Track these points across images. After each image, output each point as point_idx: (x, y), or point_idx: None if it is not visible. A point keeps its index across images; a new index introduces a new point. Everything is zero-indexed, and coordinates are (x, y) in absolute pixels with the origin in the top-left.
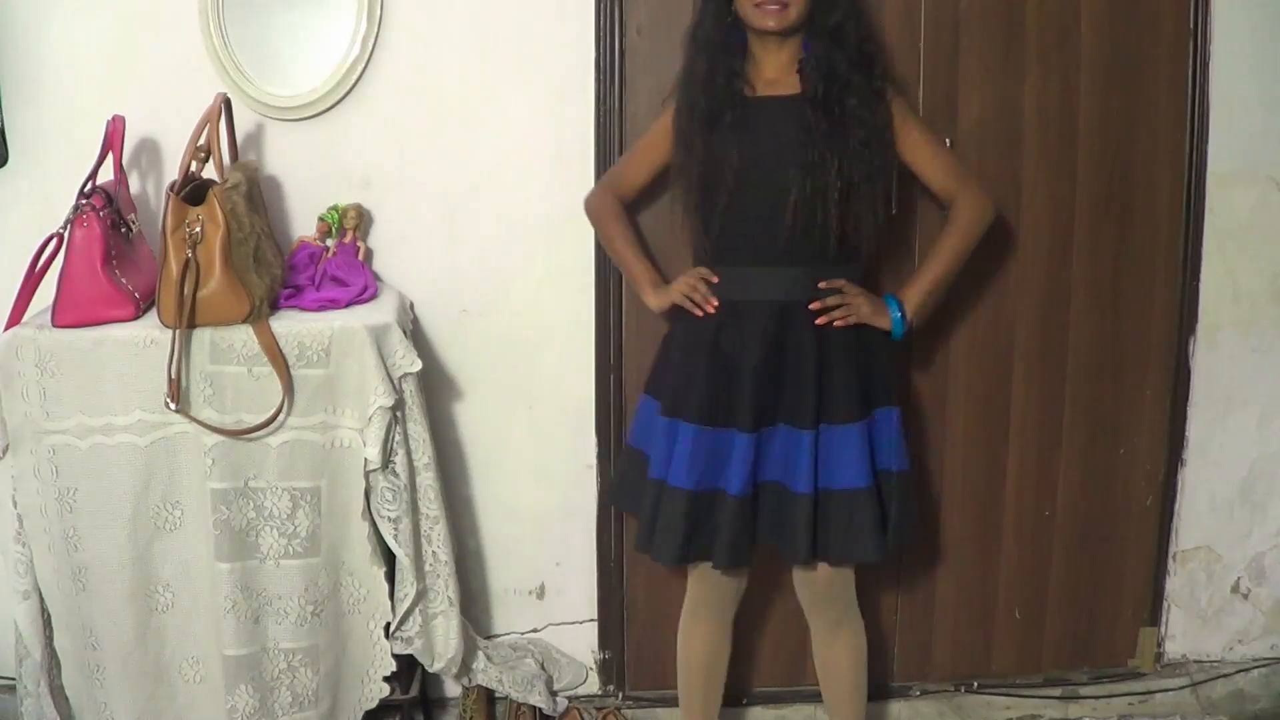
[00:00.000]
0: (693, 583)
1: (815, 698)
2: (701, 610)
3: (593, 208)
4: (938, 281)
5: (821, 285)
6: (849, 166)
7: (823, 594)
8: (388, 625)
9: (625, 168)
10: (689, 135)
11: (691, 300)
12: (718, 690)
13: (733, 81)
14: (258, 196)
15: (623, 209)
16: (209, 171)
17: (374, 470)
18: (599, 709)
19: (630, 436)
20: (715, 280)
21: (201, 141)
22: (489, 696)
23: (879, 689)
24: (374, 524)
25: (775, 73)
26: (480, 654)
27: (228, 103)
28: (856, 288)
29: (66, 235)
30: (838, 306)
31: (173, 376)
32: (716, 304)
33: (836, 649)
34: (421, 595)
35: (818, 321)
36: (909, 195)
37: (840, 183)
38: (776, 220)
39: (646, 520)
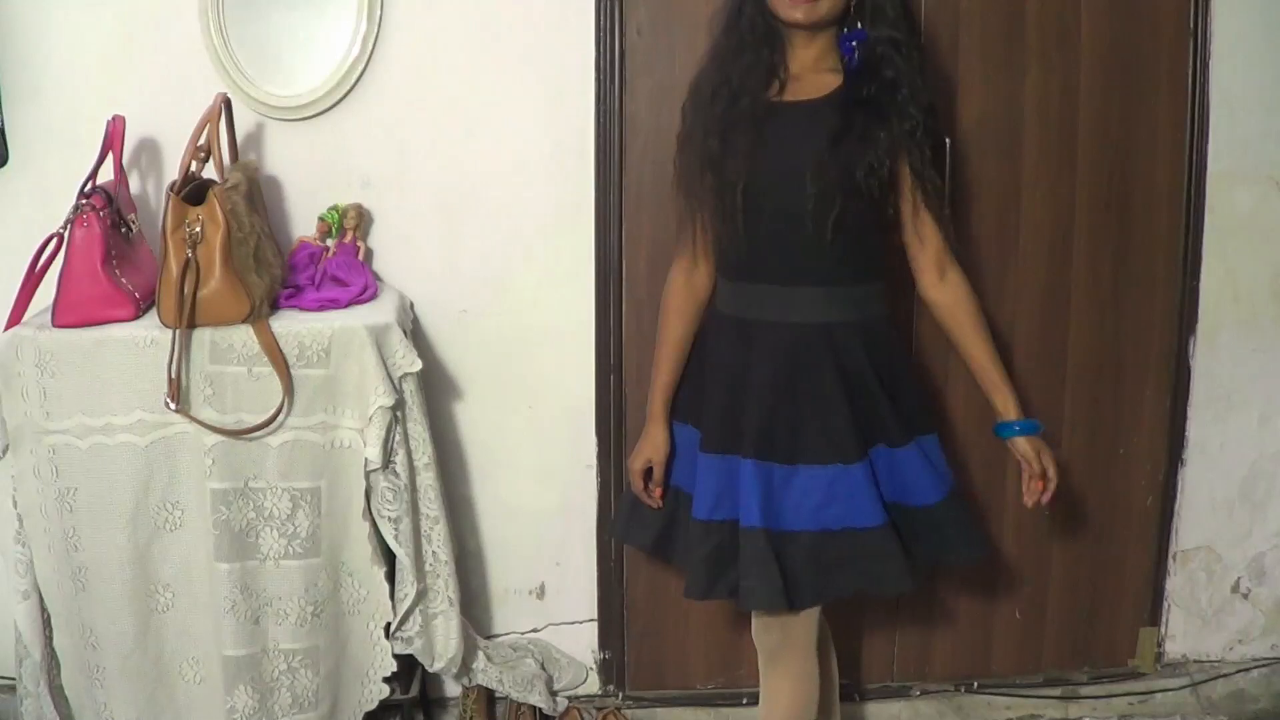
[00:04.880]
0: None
1: None
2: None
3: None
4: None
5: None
6: (882, 162)
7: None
8: (388, 625)
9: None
10: (704, 143)
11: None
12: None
13: (770, 79)
14: (258, 196)
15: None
16: (209, 171)
17: (374, 470)
18: (599, 709)
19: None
20: (658, 494)
21: (201, 141)
22: (489, 696)
23: (880, 689)
24: (374, 524)
25: (799, 69)
26: (480, 654)
27: (228, 103)
28: (1048, 460)
29: (66, 235)
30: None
31: (173, 376)
32: (660, 496)
33: (765, 687)
34: (421, 595)
35: (1027, 504)
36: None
37: (863, 193)
38: (793, 237)
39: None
